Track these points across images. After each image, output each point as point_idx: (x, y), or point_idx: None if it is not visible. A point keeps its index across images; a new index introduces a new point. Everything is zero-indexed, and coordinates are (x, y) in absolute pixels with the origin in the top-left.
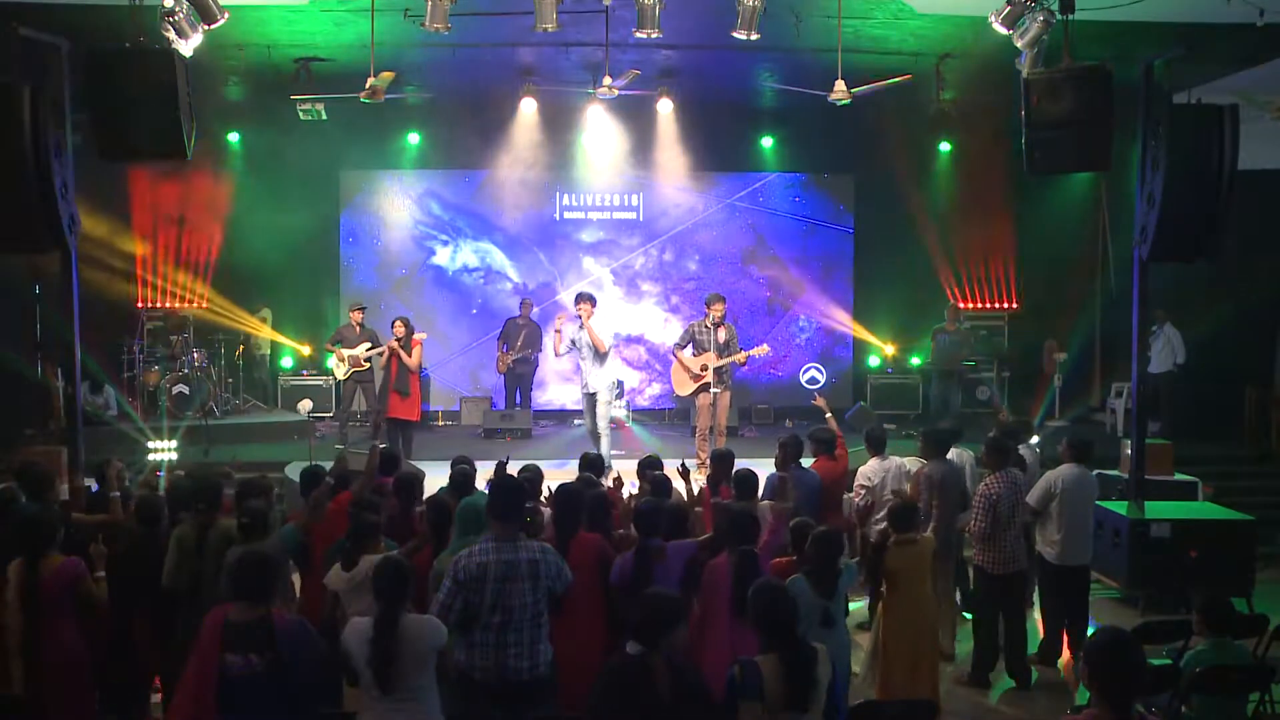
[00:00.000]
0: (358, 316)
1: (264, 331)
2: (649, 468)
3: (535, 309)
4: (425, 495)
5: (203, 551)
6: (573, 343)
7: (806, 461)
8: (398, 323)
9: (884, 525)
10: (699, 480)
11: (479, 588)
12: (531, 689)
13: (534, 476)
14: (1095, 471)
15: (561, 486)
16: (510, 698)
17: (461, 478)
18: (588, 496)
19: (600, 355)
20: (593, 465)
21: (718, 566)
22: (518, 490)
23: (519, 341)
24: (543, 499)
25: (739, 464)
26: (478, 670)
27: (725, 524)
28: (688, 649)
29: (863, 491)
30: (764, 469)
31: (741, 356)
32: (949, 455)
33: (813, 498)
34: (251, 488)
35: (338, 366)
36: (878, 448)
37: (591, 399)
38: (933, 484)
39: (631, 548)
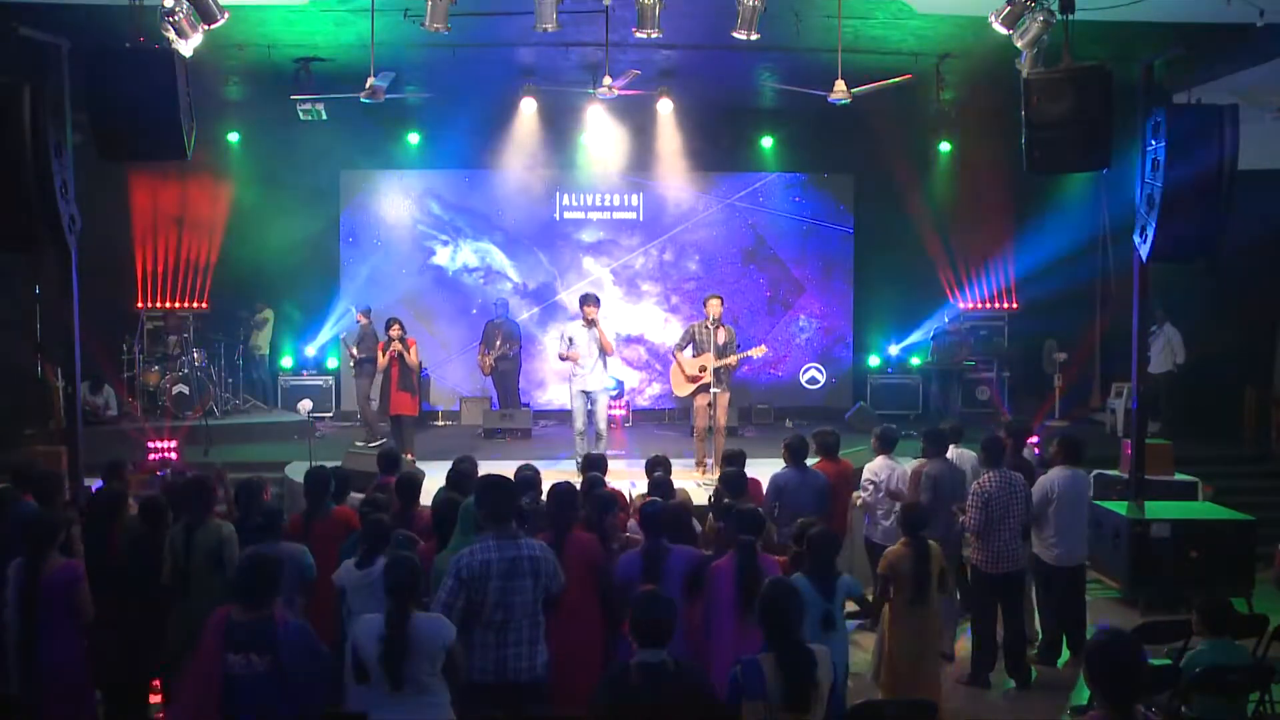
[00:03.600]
0: (362, 319)
1: (264, 331)
2: (655, 468)
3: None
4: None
5: (190, 552)
6: (571, 340)
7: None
8: (394, 324)
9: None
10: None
11: (482, 585)
12: (529, 690)
13: (530, 477)
14: (1095, 471)
15: (556, 485)
16: (509, 698)
17: (459, 476)
18: (592, 496)
19: (605, 356)
20: (598, 464)
21: (720, 569)
22: (506, 488)
23: (497, 341)
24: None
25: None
26: (477, 670)
27: (731, 522)
28: (694, 652)
29: (870, 488)
30: (761, 468)
31: (733, 360)
32: (949, 455)
33: (821, 499)
34: (251, 488)
35: (348, 360)
36: (888, 446)
37: (590, 397)
38: (933, 483)
39: (631, 548)
